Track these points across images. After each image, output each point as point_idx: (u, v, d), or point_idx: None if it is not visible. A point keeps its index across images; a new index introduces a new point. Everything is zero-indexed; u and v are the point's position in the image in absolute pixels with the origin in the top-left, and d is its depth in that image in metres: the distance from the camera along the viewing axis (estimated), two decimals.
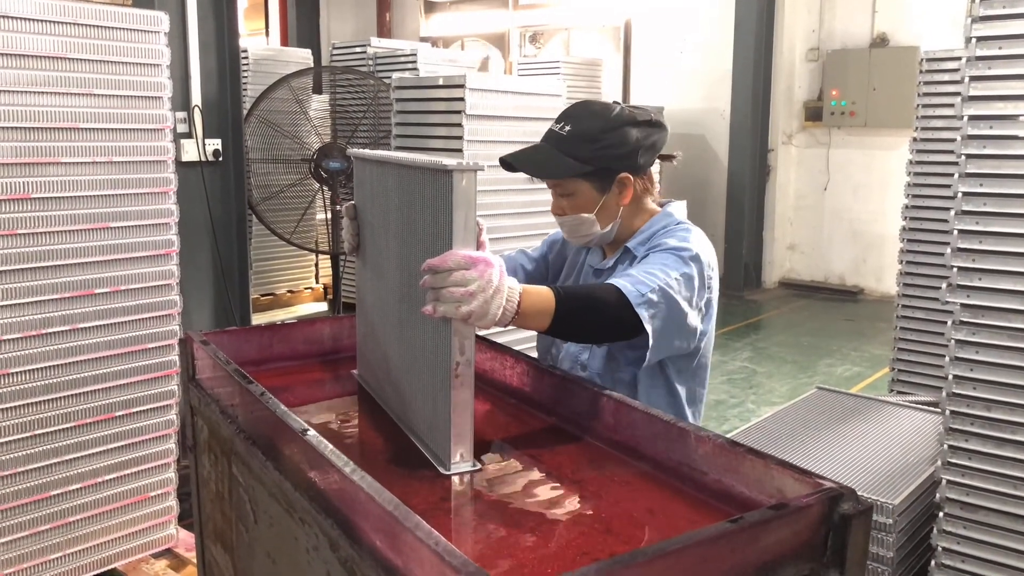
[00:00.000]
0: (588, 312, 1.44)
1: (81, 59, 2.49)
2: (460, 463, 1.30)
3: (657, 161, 1.71)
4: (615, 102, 1.67)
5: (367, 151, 1.72)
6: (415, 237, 1.40)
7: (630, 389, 1.65)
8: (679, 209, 1.73)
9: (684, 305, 1.52)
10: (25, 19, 2.36)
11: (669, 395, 1.67)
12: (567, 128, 1.61)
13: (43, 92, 2.42)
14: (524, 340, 3.53)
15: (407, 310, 1.45)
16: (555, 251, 1.90)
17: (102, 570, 2.72)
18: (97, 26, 2.52)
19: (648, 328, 1.46)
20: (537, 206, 3.85)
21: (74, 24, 2.47)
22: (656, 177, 1.75)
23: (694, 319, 1.56)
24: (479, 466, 1.32)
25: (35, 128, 2.41)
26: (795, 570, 1.02)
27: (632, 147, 1.60)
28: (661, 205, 1.74)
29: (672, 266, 1.53)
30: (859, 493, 1.08)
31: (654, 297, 1.46)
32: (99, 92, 2.54)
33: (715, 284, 1.63)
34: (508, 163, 1.64)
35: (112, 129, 2.58)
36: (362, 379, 1.77)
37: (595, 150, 1.58)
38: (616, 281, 1.47)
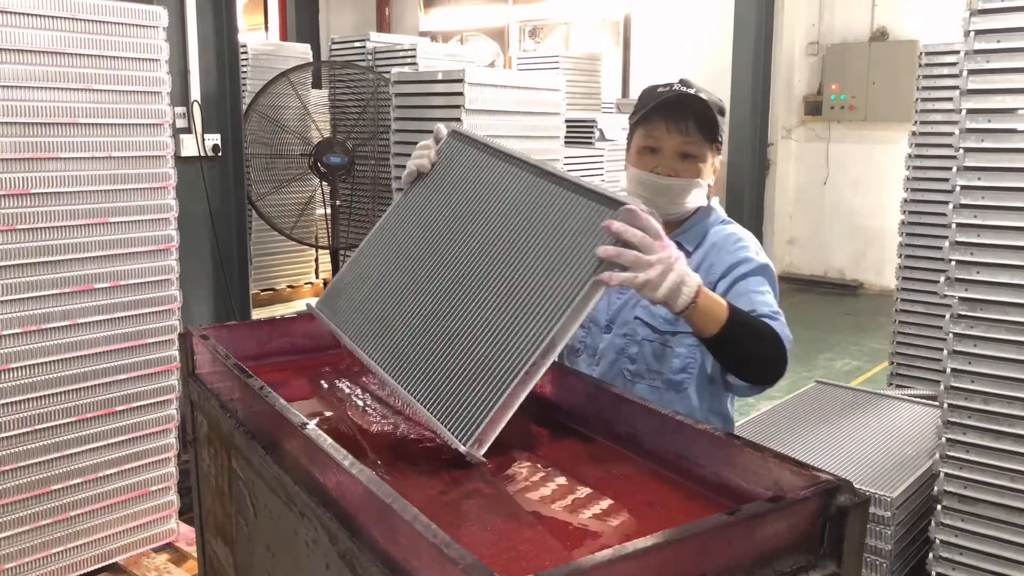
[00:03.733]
0: (752, 337, 1.42)
1: (79, 54, 2.49)
2: (478, 448, 1.23)
3: None
4: None
5: (480, 135, 1.65)
6: (532, 249, 1.33)
7: (676, 386, 1.65)
8: (718, 204, 1.75)
9: None
10: (23, 14, 2.37)
11: (720, 396, 1.67)
12: (703, 95, 1.62)
13: (42, 87, 2.42)
14: None
15: (473, 294, 1.38)
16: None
17: (103, 564, 2.73)
18: (95, 21, 2.52)
19: (783, 371, 1.48)
20: None
21: (72, 19, 2.47)
22: None
23: None
24: (485, 461, 1.32)
25: (34, 123, 2.41)
26: (792, 562, 1.02)
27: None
28: None
29: (772, 292, 1.57)
30: (857, 486, 1.08)
31: (791, 344, 1.49)
32: (98, 87, 2.54)
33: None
34: (677, 104, 1.60)
35: (111, 124, 2.58)
36: (322, 313, 1.67)
37: (722, 122, 1.64)
38: (766, 320, 1.48)
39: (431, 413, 1.29)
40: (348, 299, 1.64)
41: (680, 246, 1.64)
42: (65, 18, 2.45)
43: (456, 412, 1.27)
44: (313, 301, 1.70)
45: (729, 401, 1.72)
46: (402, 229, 1.65)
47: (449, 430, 1.24)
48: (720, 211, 1.73)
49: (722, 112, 1.65)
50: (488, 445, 1.24)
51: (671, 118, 1.61)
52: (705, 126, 1.60)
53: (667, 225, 1.63)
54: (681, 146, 1.61)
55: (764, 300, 1.53)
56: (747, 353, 1.44)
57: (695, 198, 1.65)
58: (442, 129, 1.69)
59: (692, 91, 1.62)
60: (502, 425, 1.24)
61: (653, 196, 1.63)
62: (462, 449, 1.21)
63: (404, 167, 4.02)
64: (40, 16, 2.40)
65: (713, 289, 1.54)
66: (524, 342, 1.25)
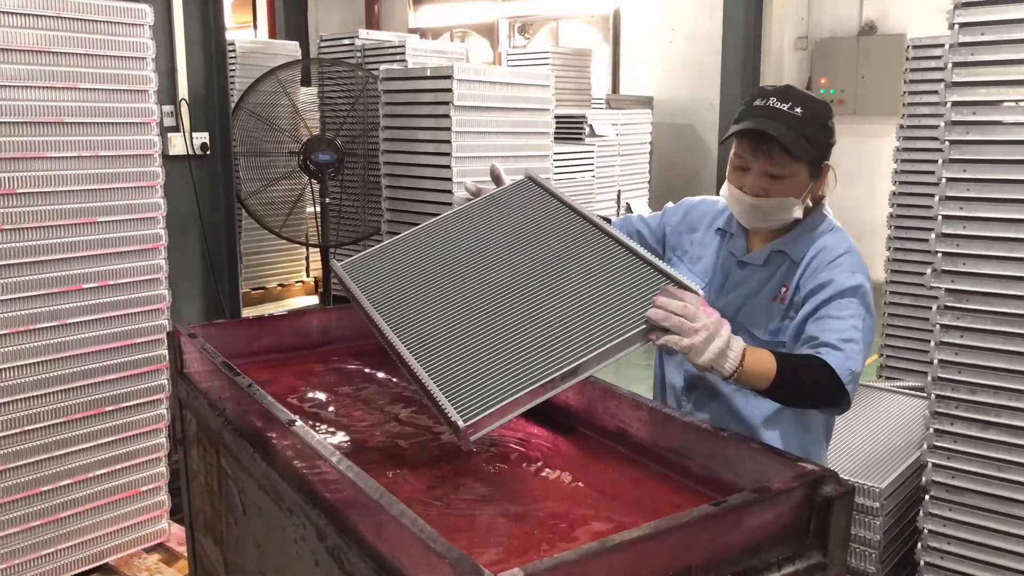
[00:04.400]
0: (803, 384, 1.43)
1: (65, 52, 2.48)
2: (475, 433, 1.22)
3: None
4: None
5: (551, 185, 1.70)
6: (582, 290, 1.39)
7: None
8: (828, 208, 1.71)
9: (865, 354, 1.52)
10: (7, 12, 2.35)
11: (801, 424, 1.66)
12: (798, 110, 1.57)
13: (27, 86, 2.41)
14: None
15: (514, 305, 1.42)
16: (675, 223, 1.82)
17: (94, 565, 2.72)
18: (80, 19, 2.50)
19: (849, 402, 1.46)
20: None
21: (57, 17, 2.45)
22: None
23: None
24: (474, 448, 1.32)
25: (20, 123, 2.40)
26: (778, 552, 1.03)
27: (834, 140, 1.63)
28: None
29: (860, 317, 1.51)
30: (846, 477, 1.09)
31: (858, 370, 1.46)
32: (84, 86, 2.53)
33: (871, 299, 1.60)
34: (756, 131, 1.57)
35: (98, 123, 2.57)
36: (346, 274, 1.66)
37: (824, 137, 1.60)
38: (826, 354, 1.44)
39: (439, 387, 1.28)
40: (379, 270, 1.65)
41: (785, 255, 1.64)
42: (50, 16, 2.44)
43: (464, 392, 1.26)
44: (339, 263, 1.69)
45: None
46: (457, 231, 1.67)
47: (453, 405, 1.24)
48: (829, 218, 1.68)
49: (820, 123, 1.59)
50: (482, 435, 1.23)
51: (752, 142, 1.59)
52: (792, 146, 1.54)
53: (772, 232, 1.65)
54: (767, 168, 1.58)
55: (838, 327, 1.48)
56: (798, 397, 1.46)
57: (787, 214, 1.61)
58: (497, 167, 1.75)
59: (784, 106, 1.57)
60: (502, 421, 1.24)
61: (742, 212, 1.65)
62: (460, 424, 1.19)
63: (394, 163, 4.04)
64: (24, 15, 2.38)
65: (802, 306, 1.55)
66: (552, 358, 1.28)
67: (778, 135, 1.54)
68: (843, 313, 1.50)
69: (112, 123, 2.60)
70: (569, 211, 1.62)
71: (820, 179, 1.63)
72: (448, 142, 3.60)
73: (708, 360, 1.26)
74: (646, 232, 1.85)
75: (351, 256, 1.71)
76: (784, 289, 1.61)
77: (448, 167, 3.62)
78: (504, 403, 1.22)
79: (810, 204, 1.65)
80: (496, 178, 1.75)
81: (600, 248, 1.48)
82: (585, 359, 1.26)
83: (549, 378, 1.25)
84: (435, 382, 1.30)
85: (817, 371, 1.42)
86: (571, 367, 1.26)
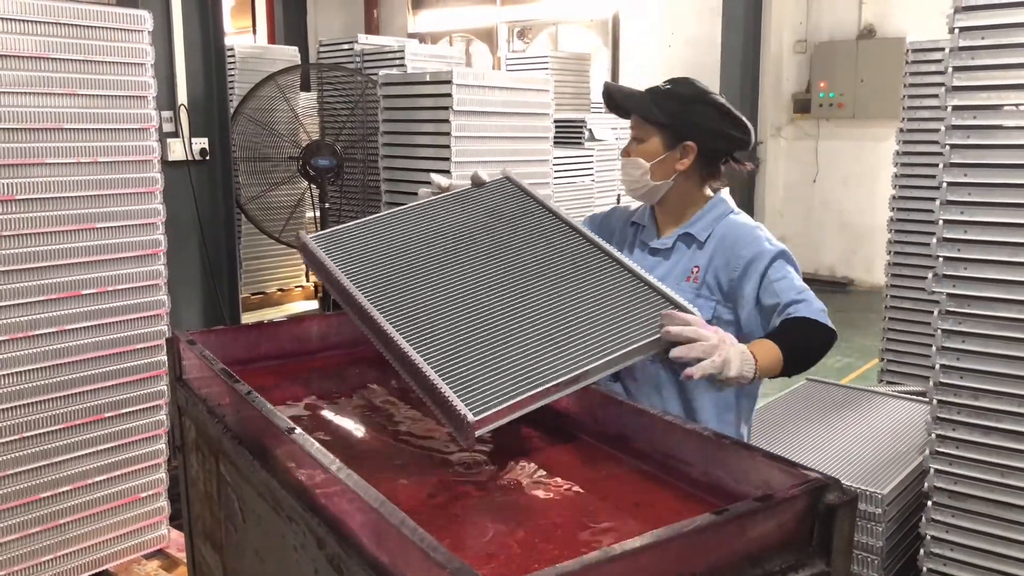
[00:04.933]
0: (804, 347, 1.55)
1: (64, 59, 2.47)
2: (481, 428, 1.21)
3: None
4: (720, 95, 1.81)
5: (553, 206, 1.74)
6: (587, 298, 1.44)
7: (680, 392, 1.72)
8: (727, 196, 1.82)
9: None
10: (5, 19, 2.35)
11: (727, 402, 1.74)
12: (667, 86, 1.78)
13: (26, 92, 2.40)
14: None
15: (522, 303, 1.44)
16: (597, 225, 1.94)
17: (94, 572, 2.71)
18: (79, 25, 2.50)
19: (836, 333, 1.58)
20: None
21: (56, 23, 2.45)
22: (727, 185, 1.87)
23: None
24: (473, 446, 1.31)
25: (19, 129, 2.39)
26: (781, 560, 1.02)
27: (708, 126, 1.74)
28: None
29: (796, 271, 1.66)
30: (848, 483, 1.08)
31: (824, 307, 1.59)
32: (83, 92, 2.52)
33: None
34: (608, 93, 1.80)
35: (97, 129, 2.56)
36: (318, 247, 1.62)
37: (681, 110, 1.73)
38: (800, 312, 1.57)
39: (443, 380, 1.27)
40: (354, 249, 1.62)
41: (691, 237, 1.76)
42: (49, 23, 2.43)
43: (469, 388, 1.25)
44: (308, 235, 1.66)
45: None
46: (436, 222, 1.68)
47: (462, 400, 1.22)
48: (730, 203, 1.80)
49: (680, 98, 1.75)
50: (485, 431, 1.22)
51: (622, 101, 1.79)
52: (635, 105, 1.77)
53: (677, 218, 1.79)
54: (633, 130, 1.79)
55: (787, 286, 1.62)
56: (806, 361, 1.56)
57: (638, 173, 1.75)
58: (481, 174, 1.86)
59: (659, 84, 1.79)
60: (507, 419, 1.24)
61: (622, 177, 1.84)
62: (470, 418, 1.18)
63: (393, 168, 4.02)
64: (23, 21, 2.38)
65: (740, 287, 1.66)
66: (559, 361, 1.29)
67: (622, 94, 1.79)
68: (781, 274, 1.64)
69: (111, 129, 2.60)
70: (550, 214, 1.66)
71: (683, 156, 1.75)
72: (447, 147, 3.59)
73: (737, 370, 1.36)
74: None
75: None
76: (696, 269, 1.73)
77: (448, 172, 3.61)
78: (511, 402, 1.22)
79: (710, 193, 1.80)
80: (478, 186, 1.84)
81: (588, 256, 1.54)
82: (592, 365, 1.28)
83: (556, 381, 1.26)
84: (438, 375, 1.28)
85: (804, 328, 1.55)
86: (579, 372, 1.28)
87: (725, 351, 1.35)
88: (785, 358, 1.48)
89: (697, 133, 1.73)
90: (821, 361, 1.59)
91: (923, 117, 3.78)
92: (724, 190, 1.82)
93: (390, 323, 1.40)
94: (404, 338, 1.37)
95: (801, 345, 1.53)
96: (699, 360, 1.34)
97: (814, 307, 1.57)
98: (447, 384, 1.26)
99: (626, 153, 1.80)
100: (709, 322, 1.60)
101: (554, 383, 1.26)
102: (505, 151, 3.75)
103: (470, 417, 1.19)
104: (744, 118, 1.78)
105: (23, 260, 2.42)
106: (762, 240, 1.69)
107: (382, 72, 4.15)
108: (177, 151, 3.71)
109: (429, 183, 1.84)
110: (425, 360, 1.32)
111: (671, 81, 1.80)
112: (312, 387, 1.80)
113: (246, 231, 5.70)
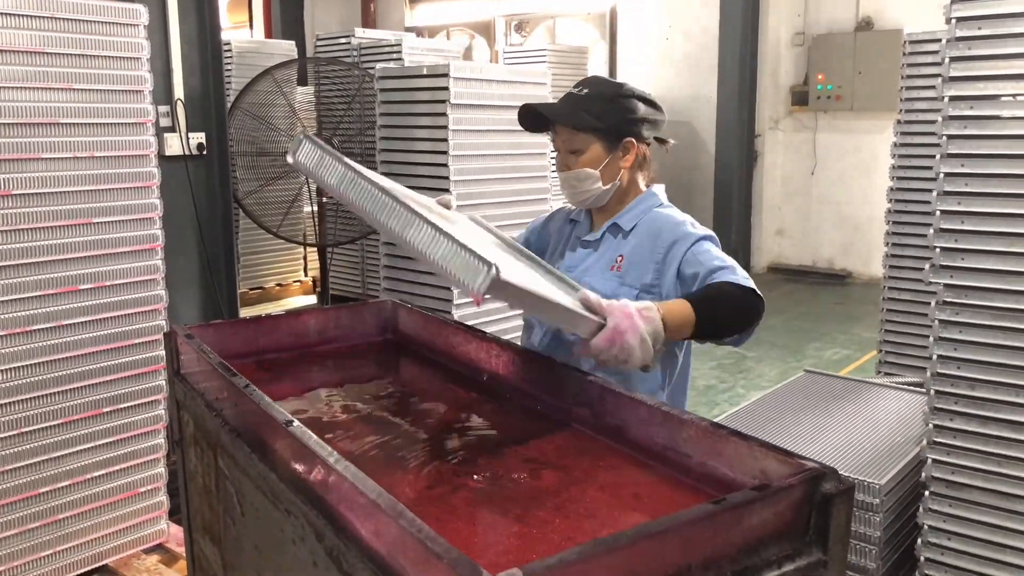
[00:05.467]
0: (724, 310, 1.52)
1: (59, 53, 2.47)
2: (500, 288, 1.17)
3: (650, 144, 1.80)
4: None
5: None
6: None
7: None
8: (661, 191, 1.81)
9: None
10: (1, 13, 2.34)
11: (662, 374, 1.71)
12: (585, 91, 1.73)
13: (21, 87, 2.40)
14: (514, 331, 3.53)
15: None
16: (537, 234, 1.95)
17: (94, 566, 2.71)
18: (75, 19, 2.49)
19: (763, 302, 1.54)
20: (520, 194, 3.85)
21: (52, 18, 2.44)
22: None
23: None
24: (485, 297, 1.20)
25: (14, 124, 2.39)
26: (778, 550, 1.03)
27: (640, 116, 1.72)
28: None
29: (720, 252, 1.63)
30: (846, 474, 1.09)
31: (749, 277, 1.56)
32: (79, 87, 2.52)
33: None
34: (530, 113, 1.75)
35: (93, 124, 2.56)
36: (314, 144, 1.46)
37: (609, 110, 1.71)
38: (719, 276, 1.55)
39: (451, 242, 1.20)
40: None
41: (618, 227, 1.76)
42: (44, 17, 2.43)
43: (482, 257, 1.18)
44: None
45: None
46: None
47: (476, 259, 1.16)
48: (660, 197, 1.79)
49: (606, 98, 1.71)
50: (498, 293, 1.18)
51: (551, 116, 1.74)
52: (569, 118, 1.71)
53: (611, 212, 1.78)
54: (563, 144, 1.74)
55: (710, 257, 1.61)
56: (725, 323, 1.53)
57: (590, 184, 1.72)
58: (448, 198, 1.76)
59: (575, 90, 1.73)
60: (514, 300, 1.25)
61: (561, 188, 1.80)
62: (495, 272, 1.13)
63: (391, 162, 4.01)
64: (18, 15, 2.38)
65: (663, 271, 1.64)
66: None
67: (549, 110, 1.74)
68: (704, 248, 1.63)
69: (108, 123, 2.59)
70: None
71: (626, 154, 1.73)
72: (445, 140, 3.59)
73: (640, 359, 1.35)
74: (532, 239, 1.96)
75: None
76: (620, 258, 1.72)
77: (445, 165, 3.61)
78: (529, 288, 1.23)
79: (643, 186, 1.78)
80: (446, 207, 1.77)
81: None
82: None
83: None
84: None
85: (724, 288, 1.52)
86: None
87: (635, 356, 1.34)
88: (698, 317, 1.44)
89: (632, 127, 1.72)
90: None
91: (921, 108, 3.78)
92: (659, 186, 1.82)
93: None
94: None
95: (718, 305, 1.50)
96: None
97: (739, 274, 1.55)
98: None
99: (565, 167, 1.75)
100: None
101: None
102: (502, 144, 3.75)
103: (495, 271, 1.14)
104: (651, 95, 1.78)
105: (20, 255, 2.42)
106: (686, 225, 1.69)
107: (379, 66, 4.15)
108: (174, 146, 3.70)
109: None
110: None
111: (584, 84, 1.76)
112: (310, 380, 1.80)
113: (244, 226, 5.69)
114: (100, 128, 2.58)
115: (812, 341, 6.17)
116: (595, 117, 1.70)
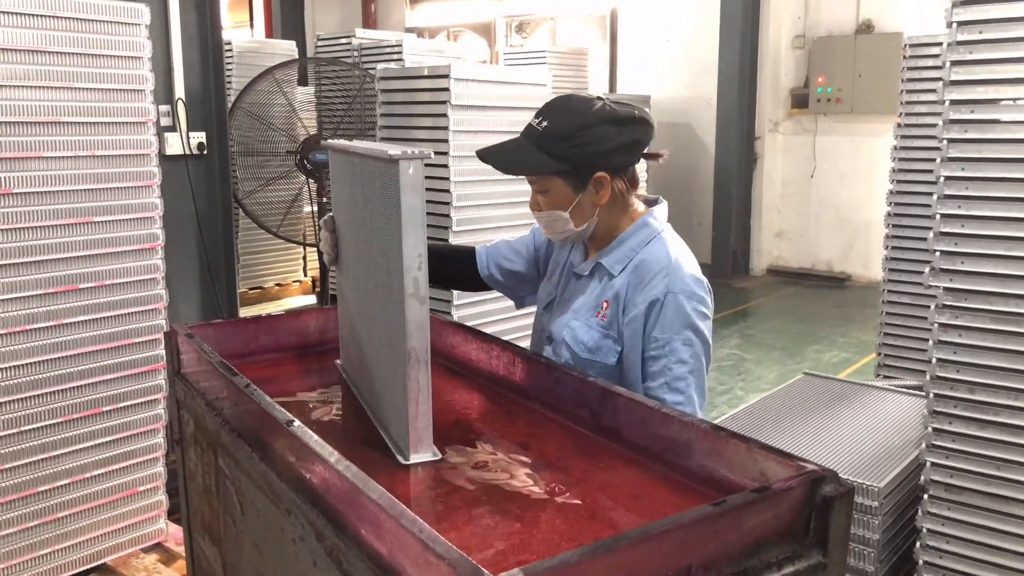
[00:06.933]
0: None
1: (61, 52, 2.47)
2: (420, 453, 1.30)
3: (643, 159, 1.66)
4: (599, 97, 1.58)
5: (337, 142, 1.70)
6: (369, 228, 1.42)
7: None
8: (661, 213, 1.66)
9: (704, 379, 1.55)
10: (2, 12, 2.34)
11: None
12: (544, 124, 1.54)
13: (22, 86, 2.40)
14: (514, 331, 3.53)
15: (370, 302, 1.46)
16: (542, 235, 1.81)
17: (92, 565, 2.71)
18: (76, 19, 2.49)
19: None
20: (521, 195, 3.83)
21: (53, 17, 2.45)
22: (643, 176, 1.72)
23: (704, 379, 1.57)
24: (439, 456, 1.32)
25: (15, 122, 2.39)
26: (778, 552, 1.03)
27: (610, 146, 1.53)
28: (646, 202, 1.69)
29: (688, 357, 1.51)
30: (845, 476, 1.09)
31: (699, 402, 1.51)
32: (80, 85, 2.52)
33: (710, 303, 1.57)
34: (486, 160, 1.61)
35: (94, 123, 2.56)
36: (344, 370, 1.76)
37: (570, 148, 1.52)
38: (665, 399, 1.47)
39: (384, 435, 1.40)
40: (343, 341, 1.77)
41: (603, 268, 1.62)
42: (46, 16, 2.43)
43: (393, 428, 1.37)
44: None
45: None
46: (344, 261, 1.74)
47: (394, 450, 1.34)
48: (655, 225, 1.63)
49: (563, 134, 1.52)
50: (430, 443, 1.31)
51: (497, 168, 1.61)
52: (521, 166, 1.58)
53: (600, 244, 1.64)
54: (531, 183, 1.61)
55: (681, 367, 1.50)
56: None
57: (562, 225, 1.59)
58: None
59: (535, 121, 1.56)
60: (426, 419, 1.30)
61: (543, 230, 1.68)
62: (407, 464, 1.28)
63: None
64: (20, 14, 2.38)
65: (636, 328, 1.53)
66: (399, 337, 1.28)
67: (500, 160, 1.58)
68: (681, 343, 1.50)
69: (108, 123, 2.59)
70: (355, 164, 1.56)
71: (600, 189, 1.56)
72: (446, 141, 3.59)
73: None
74: (514, 260, 1.86)
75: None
76: (605, 304, 1.58)
77: (446, 166, 3.61)
78: (413, 413, 1.28)
79: (640, 206, 1.64)
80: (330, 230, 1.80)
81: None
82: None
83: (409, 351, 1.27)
84: (379, 426, 1.42)
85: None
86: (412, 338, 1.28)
87: None
88: None
89: (601, 160, 1.54)
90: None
91: (921, 112, 3.78)
92: (659, 208, 1.66)
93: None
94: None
95: None
96: None
97: (688, 408, 1.46)
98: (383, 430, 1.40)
99: (535, 206, 1.61)
100: (615, 366, 1.55)
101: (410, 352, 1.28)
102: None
103: (402, 460, 1.30)
104: (636, 106, 1.58)
105: (20, 254, 2.42)
106: (655, 289, 1.52)
107: (380, 66, 4.15)
108: (174, 145, 3.70)
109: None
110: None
111: (544, 114, 1.56)
112: (310, 380, 1.80)
113: (244, 226, 5.69)
114: (101, 127, 2.58)
115: (811, 344, 6.18)
116: (556, 159, 1.52)
